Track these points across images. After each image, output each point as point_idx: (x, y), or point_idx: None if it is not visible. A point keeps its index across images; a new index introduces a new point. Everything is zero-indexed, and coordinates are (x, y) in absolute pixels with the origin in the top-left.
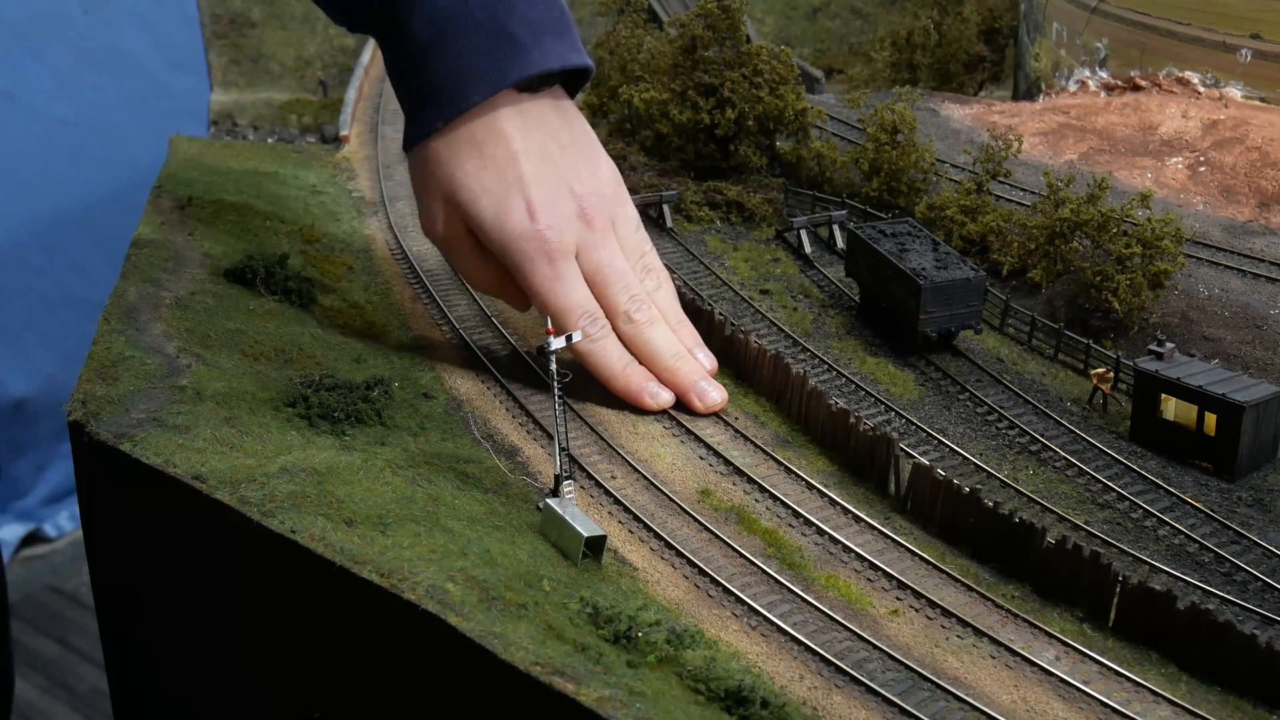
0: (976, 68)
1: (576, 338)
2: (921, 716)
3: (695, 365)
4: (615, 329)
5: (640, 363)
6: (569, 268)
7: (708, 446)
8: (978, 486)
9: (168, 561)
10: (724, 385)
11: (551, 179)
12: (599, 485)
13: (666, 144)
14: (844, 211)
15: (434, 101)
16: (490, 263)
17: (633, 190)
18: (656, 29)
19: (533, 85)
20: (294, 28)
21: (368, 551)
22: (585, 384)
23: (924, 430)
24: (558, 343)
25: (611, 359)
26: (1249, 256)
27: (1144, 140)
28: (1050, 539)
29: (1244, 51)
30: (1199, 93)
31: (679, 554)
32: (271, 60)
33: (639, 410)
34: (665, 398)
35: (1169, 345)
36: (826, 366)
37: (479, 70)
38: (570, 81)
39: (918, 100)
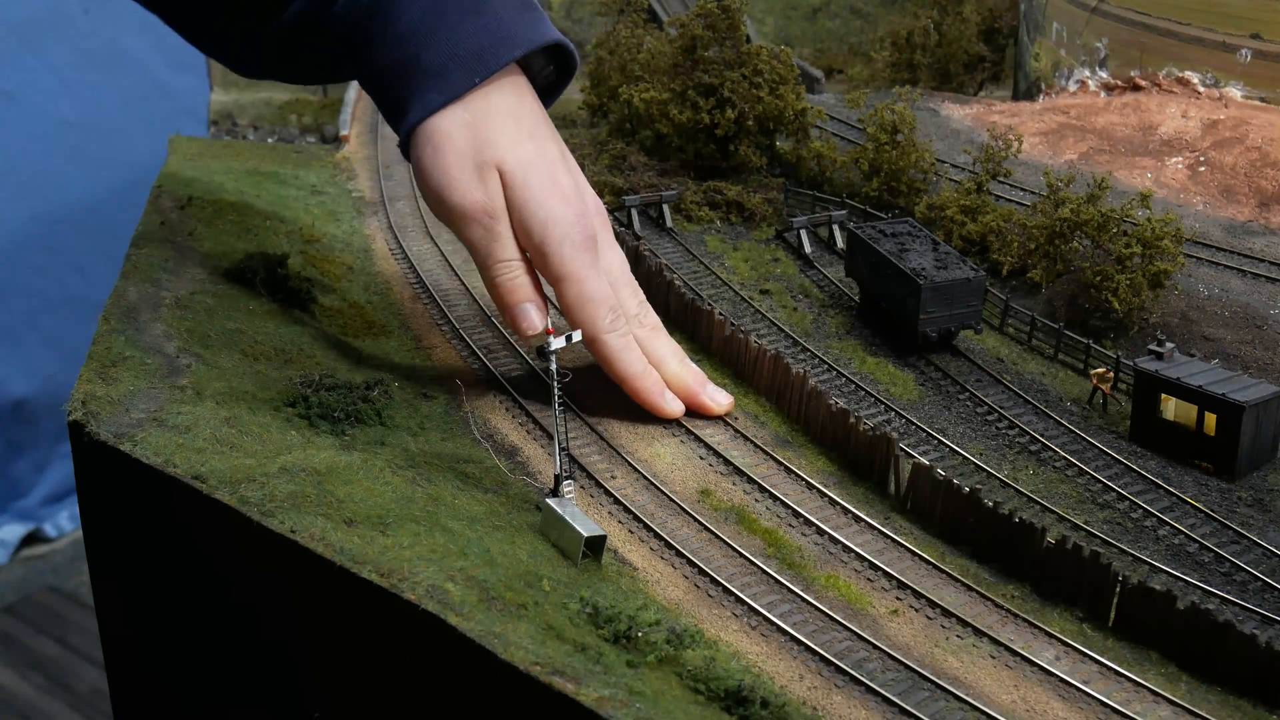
0: (976, 68)
1: (576, 337)
2: (921, 716)
3: (699, 371)
4: None
5: None
6: (598, 258)
7: (708, 446)
8: (978, 486)
9: (168, 561)
10: (724, 385)
11: (573, 171)
12: (599, 485)
13: (666, 144)
14: (844, 211)
15: (470, 62)
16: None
17: (633, 190)
18: (656, 29)
19: (532, 75)
20: None
21: (368, 551)
22: (585, 384)
23: (924, 430)
24: (558, 343)
25: (634, 358)
26: (1249, 256)
27: (1144, 140)
28: (1050, 539)
29: (1244, 51)
30: (1199, 93)
31: (679, 554)
32: None
33: (639, 410)
34: (678, 406)
35: (1169, 345)
36: (826, 366)
37: (515, 29)
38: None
39: (918, 100)
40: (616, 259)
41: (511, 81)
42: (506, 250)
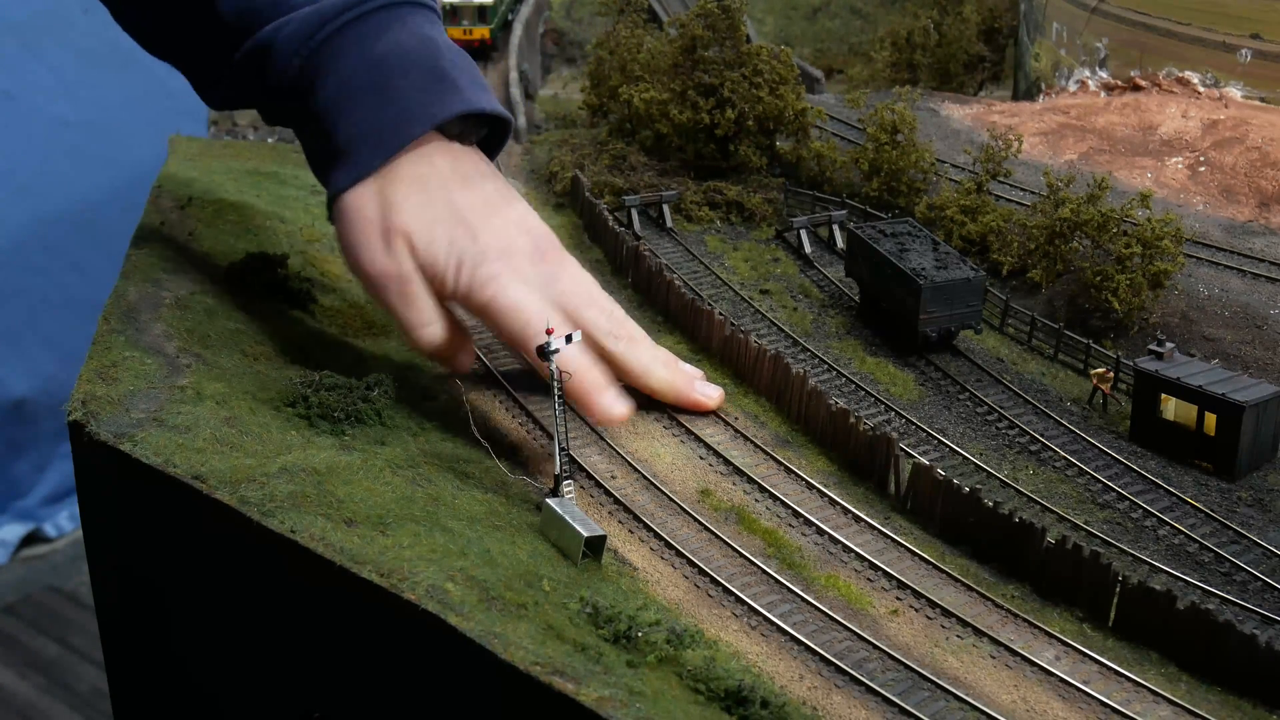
0: (976, 68)
1: (576, 338)
2: (921, 716)
3: (688, 371)
4: (603, 351)
5: (632, 379)
6: (519, 276)
7: (708, 446)
8: (978, 486)
9: (167, 561)
10: (724, 385)
11: (501, 212)
12: (599, 485)
13: (666, 144)
14: (844, 211)
15: (374, 140)
16: (441, 307)
17: (633, 190)
18: (656, 29)
19: (461, 134)
20: None
21: (368, 551)
22: None
23: (924, 430)
24: (558, 342)
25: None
26: (1249, 256)
27: (1144, 140)
28: (1050, 539)
29: (1244, 51)
30: (1199, 93)
31: (679, 554)
32: None
33: (639, 410)
34: (620, 409)
35: (1169, 345)
36: (826, 366)
37: (420, 106)
38: (487, 147)
39: (918, 100)
40: (580, 278)
41: (424, 150)
42: (423, 313)
